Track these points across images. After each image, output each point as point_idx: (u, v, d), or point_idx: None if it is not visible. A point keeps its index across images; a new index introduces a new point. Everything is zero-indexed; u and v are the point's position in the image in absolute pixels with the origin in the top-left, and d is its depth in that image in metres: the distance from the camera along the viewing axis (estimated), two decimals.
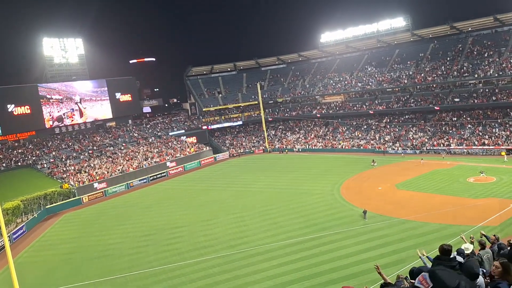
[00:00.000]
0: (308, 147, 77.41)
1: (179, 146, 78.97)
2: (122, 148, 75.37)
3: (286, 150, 78.20)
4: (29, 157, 68.62)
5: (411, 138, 67.75)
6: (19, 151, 70.28)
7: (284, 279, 25.83)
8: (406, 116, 74.21)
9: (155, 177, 65.63)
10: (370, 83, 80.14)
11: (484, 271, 6.90)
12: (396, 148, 66.07)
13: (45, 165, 66.15)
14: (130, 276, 29.37)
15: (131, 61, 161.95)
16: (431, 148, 62.87)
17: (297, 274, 26.28)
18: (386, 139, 70.18)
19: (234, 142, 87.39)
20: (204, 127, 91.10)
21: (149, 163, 68.76)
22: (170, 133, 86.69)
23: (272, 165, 66.31)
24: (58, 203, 52.91)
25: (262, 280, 26.09)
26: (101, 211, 50.24)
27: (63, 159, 68.10)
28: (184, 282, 27.27)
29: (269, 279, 26.03)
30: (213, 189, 54.14)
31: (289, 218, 37.95)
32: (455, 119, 67.38)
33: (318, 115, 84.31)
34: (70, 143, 74.74)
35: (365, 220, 34.83)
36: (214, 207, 44.72)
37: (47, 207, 51.10)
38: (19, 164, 66.49)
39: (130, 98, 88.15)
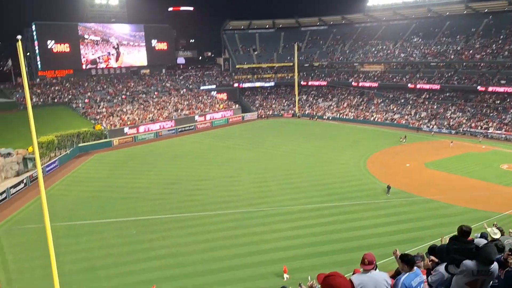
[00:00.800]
0: (339, 116, 76.02)
1: (209, 101, 79.23)
2: (154, 96, 76.36)
3: (316, 117, 77.11)
4: (65, 95, 70.70)
5: (448, 117, 65.28)
6: (56, 88, 72.43)
7: (299, 241, 26.28)
8: (447, 94, 71.09)
9: (183, 129, 66.64)
10: (414, 55, 76.65)
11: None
12: (431, 126, 63.97)
13: (80, 104, 68.13)
14: (152, 219, 30.62)
15: (169, 9, 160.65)
16: (468, 129, 60.49)
17: (312, 238, 26.65)
18: (422, 115, 67.90)
19: (264, 103, 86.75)
20: (236, 85, 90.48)
21: (178, 115, 69.63)
22: (202, 87, 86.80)
23: (300, 131, 65.87)
24: (90, 142, 54.89)
25: (277, 239, 26.65)
26: (130, 155, 51.85)
27: (97, 101, 69.86)
28: (203, 231, 28.22)
29: (285, 240, 26.55)
30: (239, 148, 54.60)
31: (311, 184, 38.05)
32: (498, 102, 64.10)
33: (354, 84, 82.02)
34: (105, 86, 76.28)
35: (388, 195, 34.46)
36: (238, 166, 45.27)
37: (79, 145, 53.14)
38: (56, 101, 68.74)
39: (165, 47, 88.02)
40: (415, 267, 5.82)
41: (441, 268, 6.22)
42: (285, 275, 22.23)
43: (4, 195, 35.42)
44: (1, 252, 26.52)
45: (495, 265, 5.70)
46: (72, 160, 49.59)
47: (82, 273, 23.21)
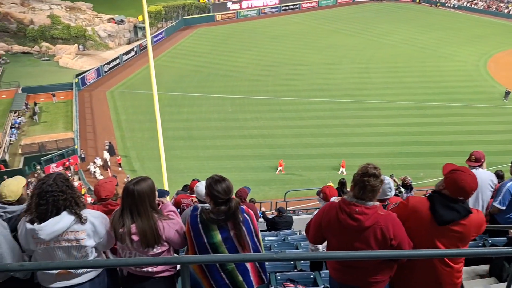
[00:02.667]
0: (467, 4, 65.26)
1: None
2: None
3: (439, 3, 67.20)
4: None
5: None
6: None
7: (394, 139, 25.22)
8: None
9: (287, 7, 63.43)
10: None
11: None
12: None
13: None
14: (248, 99, 31.42)
15: None
16: None
17: (409, 137, 25.34)
18: None
19: None
20: None
21: None
22: None
23: (417, 19, 58.43)
24: (194, 16, 55.61)
25: (370, 134, 25.83)
26: (231, 32, 51.73)
27: None
28: (295, 117, 28.41)
29: (379, 135, 25.65)
30: (344, 32, 50.88)
31: (418, 80, 34.88)
32: None
33: None
34: None
35: (505, 101, 30.43)
36: (340, 52, 42.74)
37: (184, 17, 54.20)
38: None
39: None
40: None
41: None
42: (279, 168, 22.37)
43: (117, 61, 38.70)
44: (116, 111, 29.95)
45: None
46: (177, 32, 51.14)
47: (183, 140, 25.52)
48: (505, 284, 3.79)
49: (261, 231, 9.22)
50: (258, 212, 11.29)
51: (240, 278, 2.81)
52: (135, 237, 2.75)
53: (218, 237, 2.76)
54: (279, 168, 22.69)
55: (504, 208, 5.11)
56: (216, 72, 37.20)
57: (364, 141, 25.15)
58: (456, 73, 36.81)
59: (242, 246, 2.81)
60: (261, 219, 10.69)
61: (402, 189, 8.26)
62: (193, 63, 40.03)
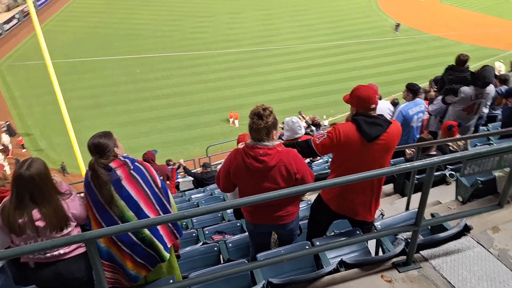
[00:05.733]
0: None
1: None
2: None
3: None
4: None
5: None
6: None
7: (303, 81, 26.28)
8: None
9: None
10: None
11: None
12: None
13: None
14: (155, 57, 30.10)
15: None
16: None
17: (316, 78, 26.59)
18: None
19: None
20: None
21: None
22: None
23: None
24: None
25: (282, 79, 26.63)
26: None
27: None
28: (207, 71, 28.03)
29: (289, 80, 26.55)
30: None
31: (318, 22, 36.14)
32: None
33: None
34: None
35: (397, 33, 33.00)
36: (243, 0, 42.16)
37: None
38: None
39: None
40: (417, 98, 6.06)
41: (440, 97, 6.47)
42: (232, 120, 22.76)
43: None
44: (7, 88, 26.91)
45: (491, 87, 6.00)
46: None
47: (90, 109, 23.95)
48: (406, 198, 4.44)
49: (189, 189, 9.37)
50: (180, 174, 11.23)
51: (150, 235, 2.73)
52: (40, 223, 2.56)
53: (111, 190, 2.62)
54: (230, 120, 22.72)
55: None
56: (116, 32, 34.69)
57: (277, 87, 25.86)
58: (351, 11, 38.66)
59: (140, 196, 2.69)
60: (188, 178, 10.77)
61: (313, 128, 8.84)
62: (88, 24, 36.73)
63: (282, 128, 4.69)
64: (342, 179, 2.47)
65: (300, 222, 3.52)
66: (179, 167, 10.25)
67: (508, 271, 2.77)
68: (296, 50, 30.55)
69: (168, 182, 7.74)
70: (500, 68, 8.73)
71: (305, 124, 8.52)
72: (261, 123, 2.83)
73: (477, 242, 3.02)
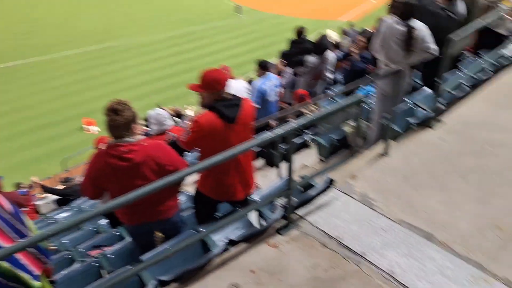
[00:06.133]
0: None
1: None
2: None
3: None
4: None
5: None
6: None
7: (156, 74, 25.68)
8: None
9: None
10: None
11: None
12: None
13: None
14: None
15: None
16: None
17: (168, 69, 26.24)
18: None
19: None
20: None
21: None
22: None
23: None
24: None
25: (133, 75, 25.55)
26: None
27: None
28: (47, 78, 25.16)
29: (141, 74, 25.64)
30: None
31: (158, 12, 35.63)
32: None
33: None
34: None
35: (240, 16, 34.65)
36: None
37: None
38: None
39: None
40: (268, 73, 6.42)
41: (289, 69, 7.16)
42: (87, 127, 20.67)
43: None
44: None
45: (331, 53, 7.07)
46: None
47: None
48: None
49: (53, 210, 8.39)
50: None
51: (10, 268, 2.34)
52: None
53: None
54: (85, 127, 20.30)
55: (259, 106, 6.07)
56: None
57: (130, 84, 24.61)
58: None
59: None
60: (49, 199, 9.62)
61: (177, 119, 8.74)
62: None
63: (147, 126, 4.52)
64: (210, 161, 2.49)
65: (184, 215, 3.46)
66: (32, 188, 9.09)
67: (370, 210, 3.20)
68: (142, 43, 29.59)
69: (25, 208, 6.79)
70: (332, 35, 10.05)
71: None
72: (119, 118, 2.67)
73: (342, 192, 3.40)
